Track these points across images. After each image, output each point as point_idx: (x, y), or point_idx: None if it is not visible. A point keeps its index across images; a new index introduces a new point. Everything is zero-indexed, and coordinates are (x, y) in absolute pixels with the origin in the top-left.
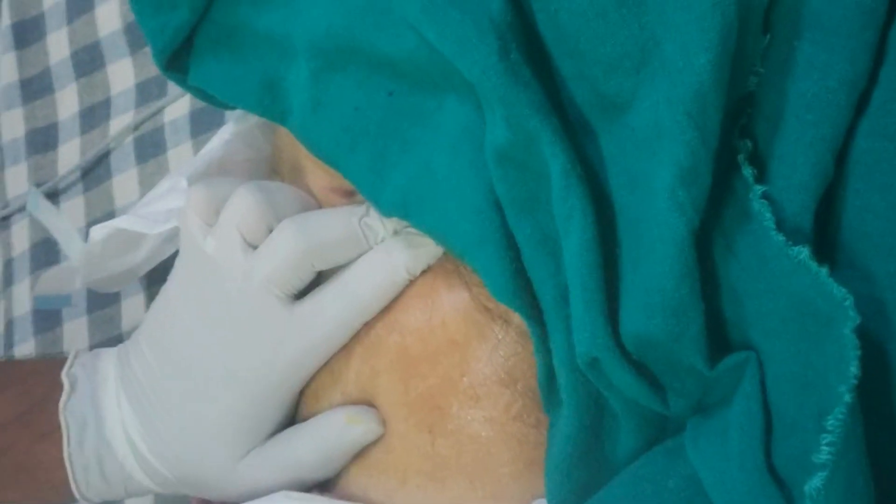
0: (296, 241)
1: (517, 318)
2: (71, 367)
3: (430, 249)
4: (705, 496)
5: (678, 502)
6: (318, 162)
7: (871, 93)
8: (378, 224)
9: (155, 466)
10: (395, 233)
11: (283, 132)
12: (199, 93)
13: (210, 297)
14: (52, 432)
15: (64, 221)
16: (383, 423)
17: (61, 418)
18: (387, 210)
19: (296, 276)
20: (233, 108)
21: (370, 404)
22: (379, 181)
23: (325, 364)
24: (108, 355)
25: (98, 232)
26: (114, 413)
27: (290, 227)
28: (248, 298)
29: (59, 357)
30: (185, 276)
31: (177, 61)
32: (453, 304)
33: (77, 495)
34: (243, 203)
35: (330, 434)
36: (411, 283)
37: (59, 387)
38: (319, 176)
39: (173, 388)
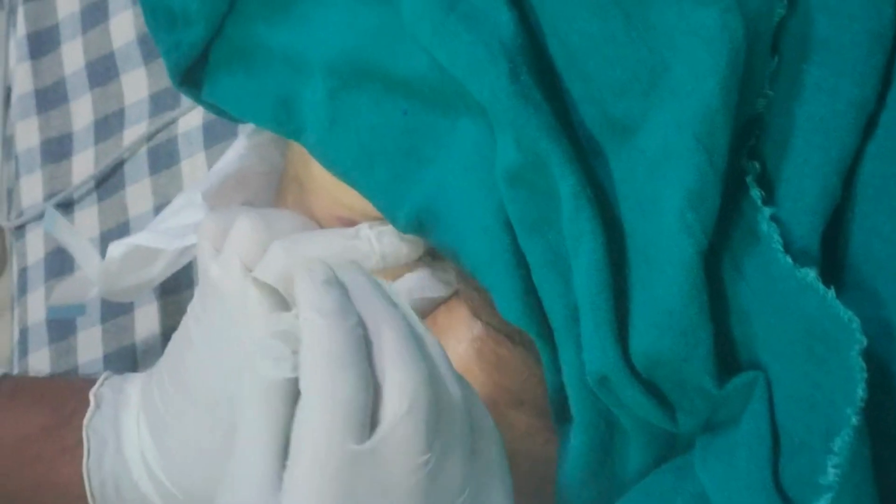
0: (280, 259)
1: (526, 337)
2: (101, 386)
3: (434, 299)
4: None
5: None
6: (324, 185)
7: (878, 116)
8: (368, 247)
9: (169, 489)
10: (384, 257)
11: (294, 152)
12: (212, 108)
13: (216, 323)
14: (74, 447)
15: (81, 239)
16: None
17: (84, 434)
18: (403, 227)
19: (285, 295)
20: (246, 122)
21: None
22: (396, 199)
23: None
24: (136, 379)
25: (116, 249)
26: (133, 434)
27: (277, 247)
28: (248, 321)
29: (95, 376)
30: (199, 303)
31: (191, 76)
32: (456, 334)
33: None
34: (242, 230)
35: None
36: None
37: (87, 403)
38: (323, 198)
39: (186, 414)
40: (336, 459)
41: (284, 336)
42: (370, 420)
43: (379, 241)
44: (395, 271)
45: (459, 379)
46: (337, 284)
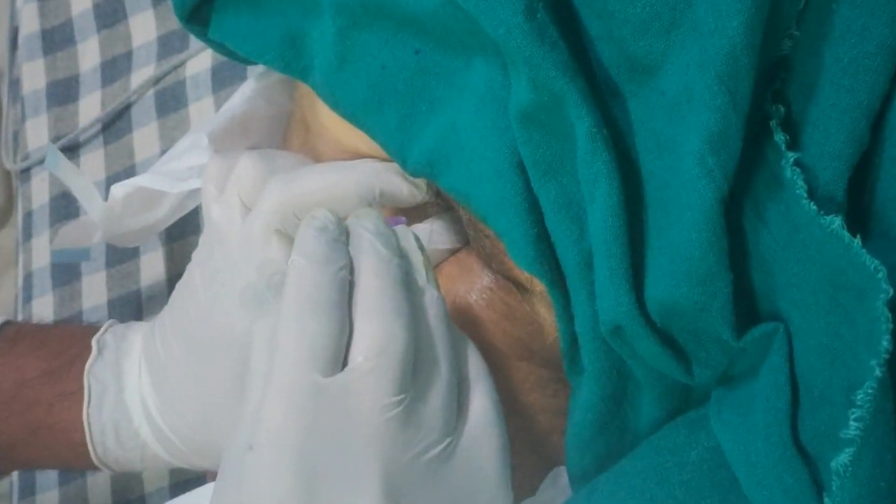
0: (276, 193)
1: (538, 286)
2: (104, 333)
3: (445, 250)
4: (728, 469)
5: (700, 474)
6: (330, 128)
7: None
8: (364, 182)
9: (168, 436)
10: (382, 195)
11: (301, 94)
12: (219, 47)
13: (218, 265)
14: (74, 393)
15: (83, 178)
16: None
17: (85, 380)
18: (413, 170)
19: (282, 228)
20: (253, 63)
21: None
22: (406, 141)
23: None
24: (139, 327)
25: (119, 190)
26: (134, 382)
27: (274, 183)
28: (248, 259)
29: (98, 324)
30: (203, 248)
31: (198, 14)
32: (465, 284)
33: (94, 459)
34: (243, 170)
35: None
36: None
37: (90, 350)
38: (328, 142)
39: (186, 360)
40: (301, 389)
41: (274, 278)
42: (343, 359)
43: (377, 176)
44: (411, 220)
45: (452, 333)
46: (334, 231)
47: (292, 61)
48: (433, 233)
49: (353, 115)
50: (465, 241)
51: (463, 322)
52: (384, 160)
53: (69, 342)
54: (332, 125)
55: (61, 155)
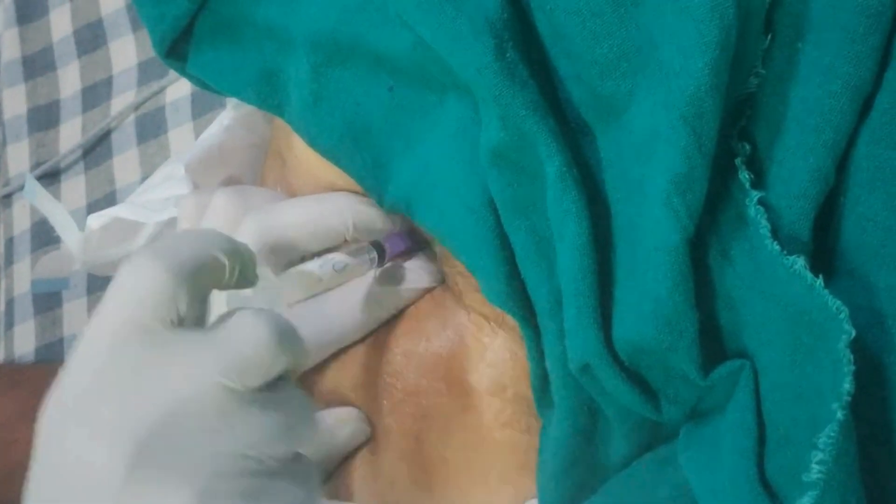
0: (252, 229)
1: (510, 322)
2: None
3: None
4: None
5: None
6: (305, 162)
7: (874, 98)
8: (338, 215)
9: None
10: (356, 227)
11: (277, 126)
12: (198, 81)
13: None
14: None
15: (60, 208)
16: (371, 425)
17: None
18: (390, 206)
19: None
20: (230, 96)
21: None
22: (383, 178)
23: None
24: None
25: (95, 221)
26: None
27: (249, 220)
28: (224, 297)
29: None
30: None
31: (176, 49)
32: (439, 321)
33: None
34: (218, 207)
35: (319, 436)
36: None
37: None
38: (303, 175)
39: None
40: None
41: None
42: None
43: (350, 209)
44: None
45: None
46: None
47: (268, 97)
48: (410, 272)
49: (328, 152)
50: (441, 279)
51: (434, 359)
52: (360, 193)
53: (47, 380)
54: (308, 158)
55: (38, 184)
